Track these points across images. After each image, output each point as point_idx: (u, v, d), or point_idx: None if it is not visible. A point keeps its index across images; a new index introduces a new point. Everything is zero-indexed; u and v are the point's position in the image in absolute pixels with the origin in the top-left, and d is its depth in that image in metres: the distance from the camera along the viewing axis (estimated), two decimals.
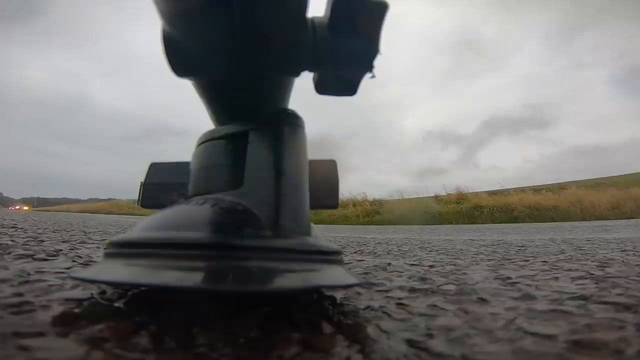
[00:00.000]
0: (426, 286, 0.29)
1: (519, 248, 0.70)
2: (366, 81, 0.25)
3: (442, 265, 0.43)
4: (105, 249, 0.20)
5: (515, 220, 4.35)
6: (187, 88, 0.26)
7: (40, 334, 0.14)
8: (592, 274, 0.34)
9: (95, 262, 0.37)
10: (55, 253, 0.42)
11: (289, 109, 0.24)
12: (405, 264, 0.45)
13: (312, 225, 0.22)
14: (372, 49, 0.22)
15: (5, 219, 1.28)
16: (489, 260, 0.49)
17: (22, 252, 0.40)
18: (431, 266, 0.42)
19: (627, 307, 0.21)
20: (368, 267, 0.41)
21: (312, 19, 0.22)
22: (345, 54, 0.23)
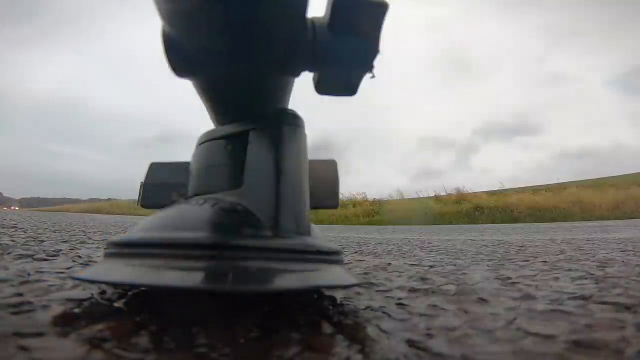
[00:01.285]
0: (426, 286, 0.29)
1: (519, 248, 0.69)
2: (366, 82, 0.25)
3: (442, 265, 0.43)
4: (105, 249, 0.20)
5: (515, 220, 4.35)
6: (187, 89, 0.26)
7: (40, 334, 0.15)
8: (592, 274, 0.34)
9: (95, 262, 0.37)
10: (55, 253, 0.42)
11: (289, 109, 0.24)
12: (405, 264, 0.45)
13: (312, 225, 0.22)
14: (372, 49, 0.22)
15: (5, 219, 1.28)
16: (489, 260, 0.49)
17: (22, 252, 0.40)
18: (431, 266, 0.42)
19: (627, 307, 0.21)
20: (368, 267, 0.41)
21: (312, 19, 0.22)
22: (345, 54, 0.23)
